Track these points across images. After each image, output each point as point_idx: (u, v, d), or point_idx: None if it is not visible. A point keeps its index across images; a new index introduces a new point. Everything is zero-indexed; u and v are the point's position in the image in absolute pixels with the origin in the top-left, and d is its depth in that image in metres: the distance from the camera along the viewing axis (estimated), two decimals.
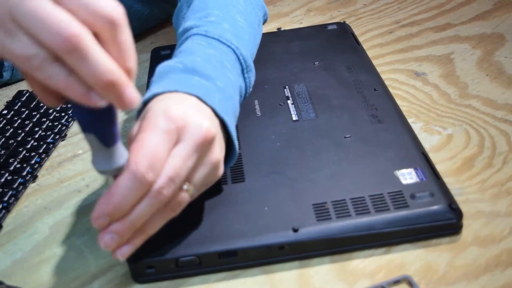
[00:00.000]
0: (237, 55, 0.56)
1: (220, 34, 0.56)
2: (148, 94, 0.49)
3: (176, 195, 0.45)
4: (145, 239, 0.46)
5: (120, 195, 0.42)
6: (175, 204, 0.45)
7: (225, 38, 0.56)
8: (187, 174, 0.45)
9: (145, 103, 0.49)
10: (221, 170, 0.49)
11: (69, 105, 0.74)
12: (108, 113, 0.39)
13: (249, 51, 0.59)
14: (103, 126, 0.40)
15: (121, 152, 0.42)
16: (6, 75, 0.83)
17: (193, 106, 0.47)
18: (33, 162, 0.65)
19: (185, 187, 0.45)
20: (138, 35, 0.91)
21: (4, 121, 0.72)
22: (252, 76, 0.59)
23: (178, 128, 0.44)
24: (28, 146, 0.67)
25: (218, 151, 0.47)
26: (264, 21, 0.72)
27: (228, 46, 0.56)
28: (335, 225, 0.49)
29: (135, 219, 0.43)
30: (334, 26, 0.82)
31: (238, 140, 0.60)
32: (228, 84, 0.53)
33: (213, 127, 0.46)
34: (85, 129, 0.40)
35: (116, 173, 0.43)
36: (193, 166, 0.45)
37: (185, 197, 0.46)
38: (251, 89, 0.59)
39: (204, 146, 0.45)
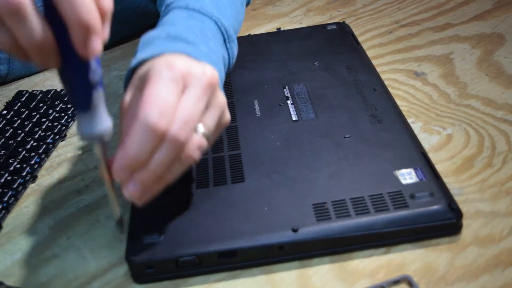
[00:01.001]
0: (218, 26, 0.57)
1: (201, 6, 0.57)
2: (136, 60, 0.49)
3: (193, 140, 0.45)
4: (164, 186, 0.46)
5: (136, 147, 0.42)
6: (193, 149, 0.45)
7: (206, 10, 0.57)
8: (199, 118, 0.45)
9: (133, 71, 0.50)
10: (228, 114, 0.50)
11: (68, 105, 0.74)
12: (76, 74, 0.39)
13: (231, 24, 0.60)
14: (74, 87, 0.40)
15: (102, 118, 0.42)
16: (3, 68, 0.83)
17: (189, 60, 0.48)
18: (32, 162, 0.65)
19: (201, 130, 0.46)
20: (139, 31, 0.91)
21: (4, 122, 0.72)
22: (234, 47, 0.59)
23: (183, 75, 0.45)
24: (28, 146, 0.67)
25: (222, 95, 0.49)
26: (247, 4, 0.73)
27: (209, 17, 0.57)
28: (335, 225, 0.49)
29: (156, 168, 0.44)
30: (334, 26, 0.82)
31: (238, 139, 0.60)
32: (211, 51, 0.53)
33: (215, 73, 0.47)
34: (65, 90, 0.40)
35: (98, 140, 0.43)
36: (203, 109, 0.46)
37: (203, 142, 0.46)
38: (234, 61, 0.60)
39: (211, 90, 0.46)
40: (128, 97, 0.46)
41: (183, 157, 0.45)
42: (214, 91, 0.47)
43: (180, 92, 0.45)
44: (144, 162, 0.43)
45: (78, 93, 0.40)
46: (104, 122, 0.42)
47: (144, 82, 0.45)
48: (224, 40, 0.58)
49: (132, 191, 0.44)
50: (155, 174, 0.44)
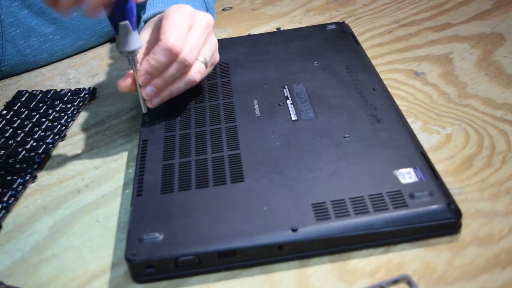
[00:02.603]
0: (204, 1, 0.80)
1: None
2: (151, 12, 0.70)
3: (195, 64, 0.63)
4: (169, 97, 0.64)
5: (158, 59, 0.60)
6: (195, 71, 0.63)
7: None
8: (201, 48, 0.63)
9: (145, 22, 0.70)
10: (218, 54, 0.68)
11: (68, 105, 0.74)
12: (120, 8, 0.57)
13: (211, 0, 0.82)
14: (116, 17, 0.57)
15: (136, 40, 0.59)
16: None
17: (192, 8, 0.64)
18: (32, 162, 0.65)
19: (200, 58, 0.63)
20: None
21: (4, 122, 0.72)
22: (213, 15, 0.79)
23: (191, 15, 0.63)
24: (28, 146, 0.67)
25: (215, 37, 0.67)
26: None
27: None
28: (334, 225, 0.49)
29: (168, 77, 0.61)
30: (333, 26, 0.82)
31: (238, 139, 0.60)
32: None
33: (212, 18, 0.65)
34: (110, 19, 0.57)
35: (129, 55, 0.60)
36: (203, 42, 0.63)
37: (202, 67, 0.63)
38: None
39: (209, 29, 0.65)
40: (146, 36, 0.64)
41: (188, 76, 0.62)
42: (210, 32, 0.65)
43: (189, 27, 0.62)
44: (161, 72, 0.61)
45: (117, 21, 0.57)
46: (136, 42, 0.60)
47: (160, 23, 0.62)
48: (207, 10, 0.79)
49: (148, 91, 0.62)
50: (166, 82, 0.62)
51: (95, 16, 0.55)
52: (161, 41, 0.60)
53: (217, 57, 0.68)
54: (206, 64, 0.64)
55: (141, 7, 0.73)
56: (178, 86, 0.63)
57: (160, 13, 0.68)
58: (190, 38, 0.61)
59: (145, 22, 0.69)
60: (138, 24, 0.71)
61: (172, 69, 0.61)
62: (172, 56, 0.60)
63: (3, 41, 0.82)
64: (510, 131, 0.62)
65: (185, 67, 0.61)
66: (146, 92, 0.62)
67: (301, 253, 0.49)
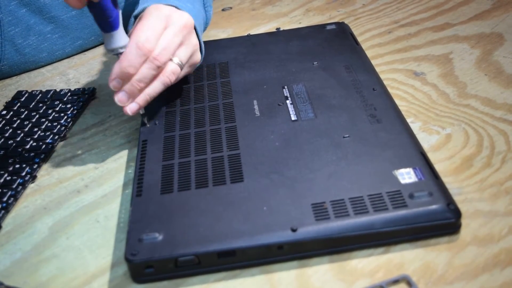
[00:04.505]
0: None
1: None
2: (138, 10, 0.66)
3: (169, 65, 0.61)
4: (147, 100, 0.61)
5: (127, 61, 0.58)
6: (169, 72, 0.61)
7: None
8: (175, 49, 0.61)
9: (135, 17, 0.67)
10: (199, 54, 0.67)
11: (68, 105, 0.74)
12: (100, 7, 0.57)
13: None
14: (101, 15, 0.57)
15: (120, 37, 0.59)
16: None
17: (173, 8, 0.63)
18: (32, 162, 0.65)
19: (175, 59, 0.61)
20: None
21: (3, 122, 0.72)
22: (210, 11, 0.77)
23: (167, 16, 0.61)
24: (28, 146, 0.67)
25: (195, 38, 0.65)
26: None
27: None
28: (334, 225, 0.49)
29: (139, 79, 0.59)
30: (333, 26, 0.82)
31: (237, 139, 0.60)
32: (194, 8, 0.68)
33: (191, 19, 0.63)
34: (94, 18, 0.58)
35: (118, 52, 0.59)
36: (179, 43, 0.62)
37: (176, 68, 0.62)
38: (209, 22, 0.78)
39: (186, 30, 0.62)
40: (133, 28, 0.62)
41: (161, 77, 0.61)
42: (189, 33, 0.63)
43: (163, 28, 0.60)
44: (132, 75, 0.58)
45: (103, 20, 0.58)
46: (121, 41, 0.59)
47: (139, 20, 0.61)
48: (204, 5, 0.75)
49: (120, 97, 0.60)
50: (138, 85, 0.59)
51: (77, 7, 0.56)
52: (131, 41, 0.58)
53: (196, 58, 0.66)
54: (181, 66, 0.62)
55: (135, 4, 0.72)
56: (154, 87, 0.61)
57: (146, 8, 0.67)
58: (162, 38, 0.60)
59: (135, 17, 0.67)
60: (128, 20, 0.70)
61: (144, 70, 0.59)
62: (142, 55, 0.58)
63: (2, 40, 0.82)
64: (509, 131, 0.62)
65: (157, 67, 0.60)
66: (118, 97, 0.60)
67: (301, 253, 0.49)
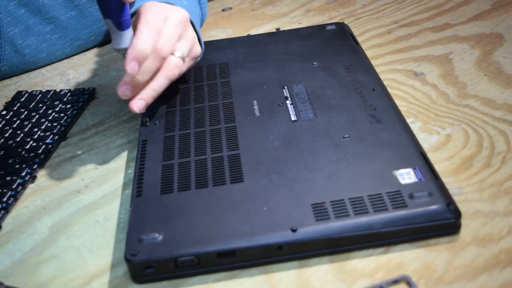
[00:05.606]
0: None
1: None
2: (134, 8, 0.69)
3: (172, 58, 0.62)
4: (153, 96, 0.62)
5: (132, 55, 0.58)
6: (173, 66, 0.62)
7: None
8: (176, 42, 0.63)
9: (131, 15, 0.66)
10: (198, 47, 0.68)
11: (68, 106, 0.74)
12: (116, 4, 0.58)
13: None
14: (114, 13, 0.58)
15: (130, 38, 0.60)
16: None
17: (168, 5, 0.65)
18: (32, 162, 0.65)
19: (176, 53, 0.62)
20: None
21: (3, 122, 0.72)
22: (205, 8, 0.82)
23: (164, 13, 0.63)
24: (27, 146, 0.67)
25: (193, 31, 0.66)
26: None
27: None
28: (334, 225, 0.49)
29: (144, 72, 0.60)
30: (333, 26, 0.82)
31: (237, 140, 0.60)
32: (190, 5, 0.71)
33: (187, 13, 0.65)
34: (104, 15, 0.58)
35: (124, 52, 0.59)
36: (178, 36, 0.63)
37: (178, 61, 0.63)
38: (205, 18, 0.81)
39: (184, 24, 0.64)
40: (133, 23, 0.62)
41: (165, 71, 0.61)
42: (186, 26, 0.65)
43: (162, 23, 0.62)
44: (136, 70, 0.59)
45: (117, 18, 0.58)
46: (128, 40, 0.60)
47: (135, 20, 0.62)
48: (199, 1, 0.79)
49: (122, 90, 0.60)
50: (143, 78, 0.60)
51: None
52: (135, 36, 0.59)
53: (197, 51, 0.67)
54: (183, 58, 0.63)
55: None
56: (159, 81, 0.62)
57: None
58: (163, 31, 0.61)
59: (132, 15, 0.67)
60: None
61: (148, 63, 0.59)
62: (147, 48, 0.59)
63: (2, 40, 0.82)
64: (509, 131, 0.62)
65: (161, 58, 0.61)
66: (120, 91, 0.60)
67: (301, 253, 0.49)
